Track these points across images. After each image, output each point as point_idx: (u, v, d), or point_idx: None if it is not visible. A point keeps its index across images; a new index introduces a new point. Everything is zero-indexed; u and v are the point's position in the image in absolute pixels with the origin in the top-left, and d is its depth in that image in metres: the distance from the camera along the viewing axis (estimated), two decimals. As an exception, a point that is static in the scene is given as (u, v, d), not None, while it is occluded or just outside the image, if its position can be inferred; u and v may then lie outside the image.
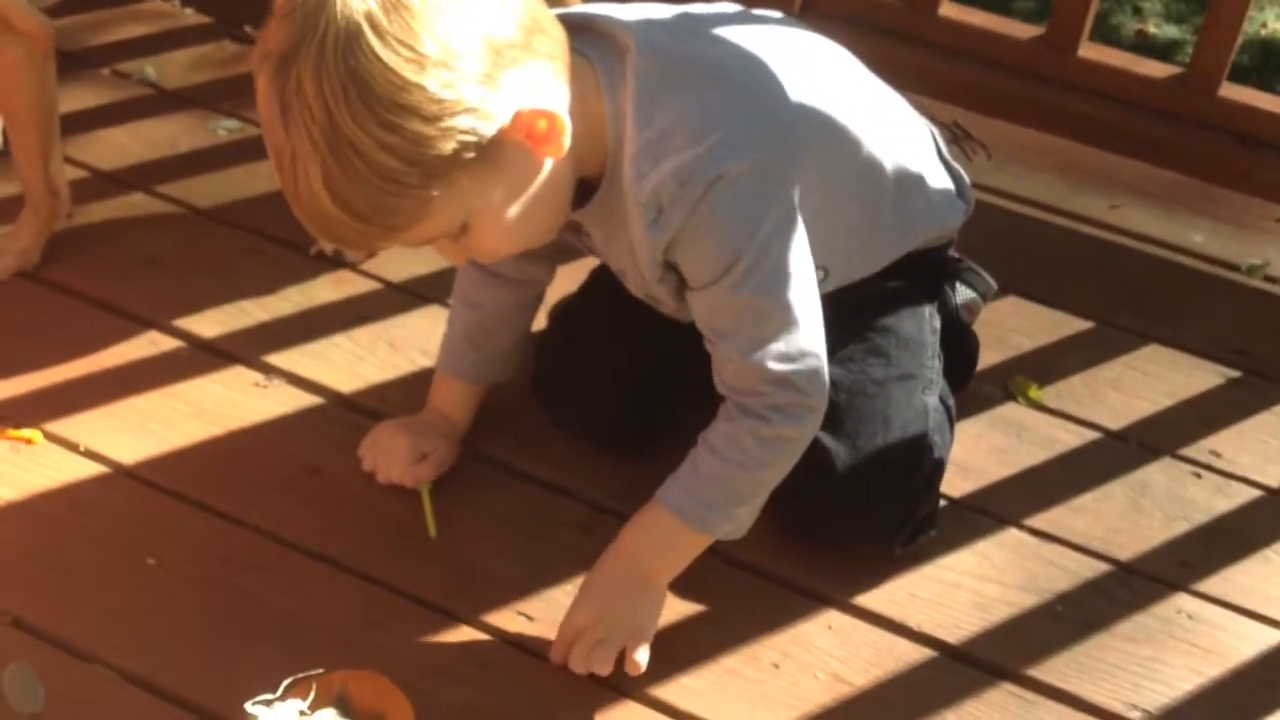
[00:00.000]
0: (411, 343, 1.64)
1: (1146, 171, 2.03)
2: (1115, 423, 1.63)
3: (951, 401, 1.49)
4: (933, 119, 1.55)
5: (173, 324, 1.64)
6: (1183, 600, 1.45)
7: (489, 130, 1.08)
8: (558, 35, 1.14)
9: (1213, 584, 1.46)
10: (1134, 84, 2.05)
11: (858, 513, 1.40)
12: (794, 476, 1.31)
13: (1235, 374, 1.71)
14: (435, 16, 1.03)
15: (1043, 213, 1.95)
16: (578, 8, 1.26)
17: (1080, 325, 1.77)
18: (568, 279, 1.55)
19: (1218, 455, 1.61)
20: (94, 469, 1.47)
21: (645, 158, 1.18)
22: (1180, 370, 1.71)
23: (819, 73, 1.34)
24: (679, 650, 1.34)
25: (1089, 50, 2.07)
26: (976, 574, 1.45)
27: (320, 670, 1.28)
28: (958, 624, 1.40)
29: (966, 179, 1.51)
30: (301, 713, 1.25)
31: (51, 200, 1.67)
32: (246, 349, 1.62)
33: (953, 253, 1.56)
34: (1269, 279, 1.88)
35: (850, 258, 1.41)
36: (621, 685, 1.31)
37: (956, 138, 2.03)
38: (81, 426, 1.51)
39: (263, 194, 1.81)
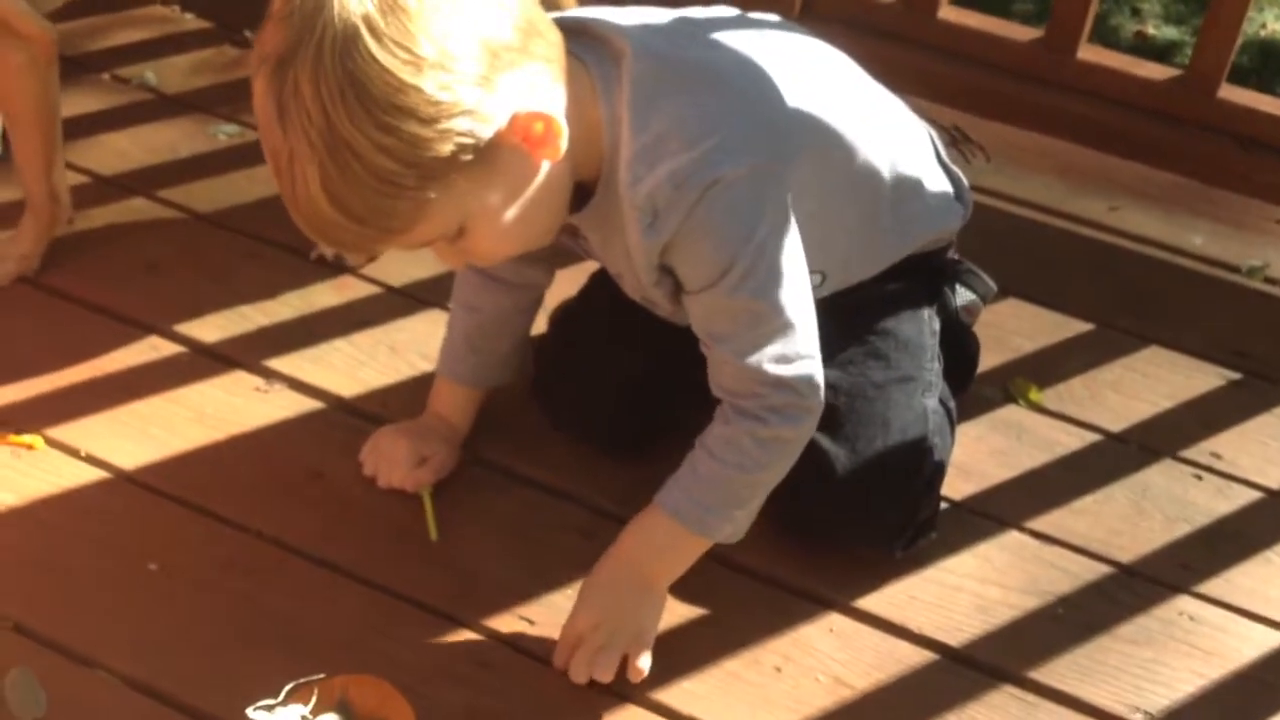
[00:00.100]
0: (412, 347, 1.65)
1: (1146, 173, 2.03)
2: (1116, 425, 1.63)
3: (952, 404, 1.49)
4: (932, 121, 1.55)
5: (174, 329, 1.64)
6: (1184, 602, 1.45)
7: (486, 133, 1.08)
8: (554, 39, 1.14)
9: (1214, 586, 1.46)
10: (1133, 86, 2.05)
11: (857, 516, 1.40)
12: (794, 480, 1.31)
13: (1236, 376, 1.72)
14: (432, 18, 1.03)
15: (1042, 215, 1.95)
16: (573, 11, 1.26)
17: (1080, 327, 1.77)
18: (567, 282, 1.55)
19: (1218, 457, 1.61)
20: (95, 474, 1.47)
21: (641, 161, 1.18)
22: (1180, 372, 1.71)
23: (816, 77, 1.34)
24: (680, 654, 1.34)
25: (1088, 52, 2.07)
26: (978, 576, 1.45)
27: (322, 675, 1.28)
28: (959, 626, 1.40)
29: (965, 182, 1.51)
30: (303, 717, 1.25)
31: (52, 205, 1.68)
32: (247, 354, 1.62)
33: (953, 255, 1.56)
34: (1269, 280, 1.88)
35: (848, 262, 1.41)
36: (623, 689, 1.31)
37: (955, 140, 2.03)
38: (83, 432, 1.51)
39: (263, 199, 1.81)
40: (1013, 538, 1.50)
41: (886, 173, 1.37)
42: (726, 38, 1.30)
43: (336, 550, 1.41)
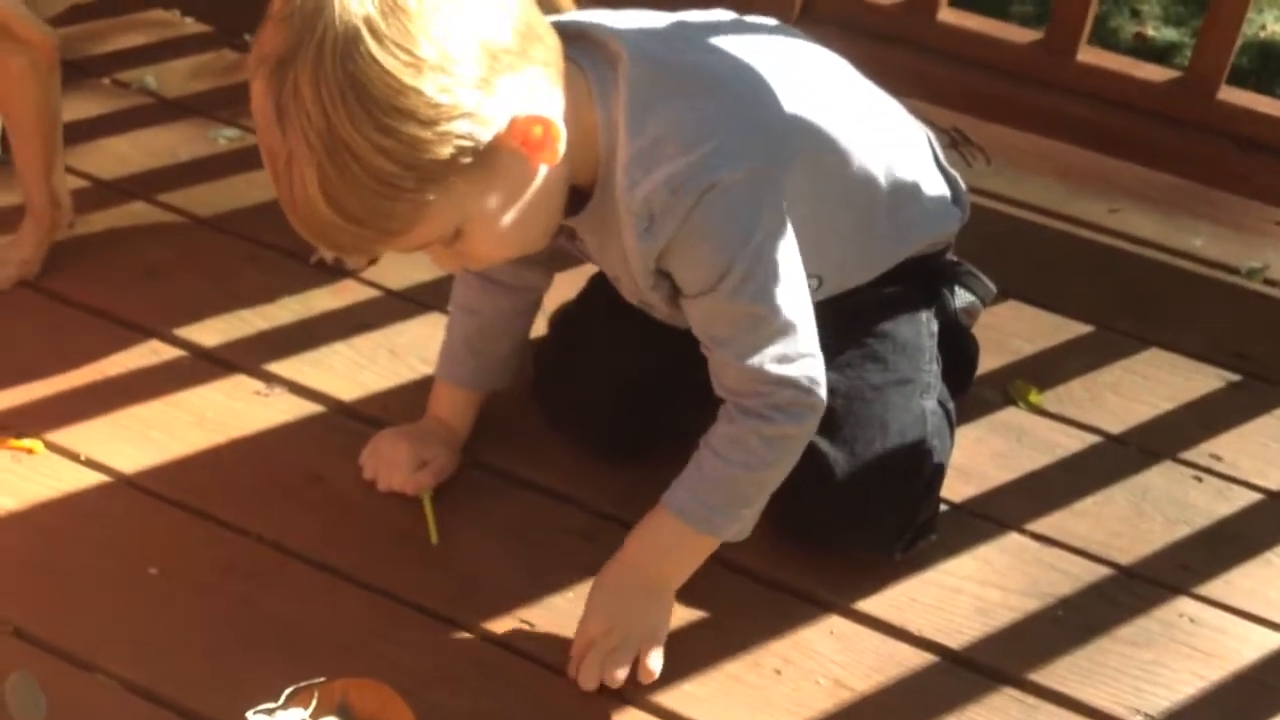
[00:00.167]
0: (412, 350, 1.65)
1: (1146, 175, 2.03)
2: (1116, 427, 1.63)
3: (951, 405, 1.49)
4: (931, 124, 1.55)
5: (174, 333, 1.64)
6: (1184, 604, 1.45)
7: (485, 135, 1.08)
8: (552, 43, 1.14)
9: (1214, 587, 1.46)
10: (1133, 88, 2.05)
11: (857, 519, 1.40)
12: (793, 483, 1.31)
13: (1235, 377, 1.71)
14: (433, 20, 1.03)
15: (1042, 217, 1.95)
16: (569, 15, 1.26)
17: (1080, 329, 1.77)
18: (567, 285, 1.55)
19: (1218, 459, 1.61)
20: (95, 478, 1.47)
21: (637, 165, 1.18)
22: (1180, 374, 1.71)
23: (812, 80, 1.34)
24: (681, 656, 1.34)
25: (1088, 54, 2.07)
26: (978, 578, 1.45)
27: (322, 679, 1.28)
28: (959, 629, 1.40)
29: (963, 185, 1.51)
30: (303, 721, 1.25)
31: (53, 210, 1.68)
32: (247, 357, 1.62)
33: (951, 256, 1.56)
34: (1269, 282, 1.88)
35: (844, 266, 1.41)
36: (624, 691, 1.31)
37: (955, 142, 2.03)
38: (83, 436, 1.51)
39: (263, 202, 1.81)
40: (1013, 540, 1.50)
41: (883, 177, 1.37)
42: (723, 42, 1.30)
43: (337, 554, 1.41)
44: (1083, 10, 2.02)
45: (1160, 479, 1.58)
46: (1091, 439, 1.62)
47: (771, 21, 1.42)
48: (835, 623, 1.40)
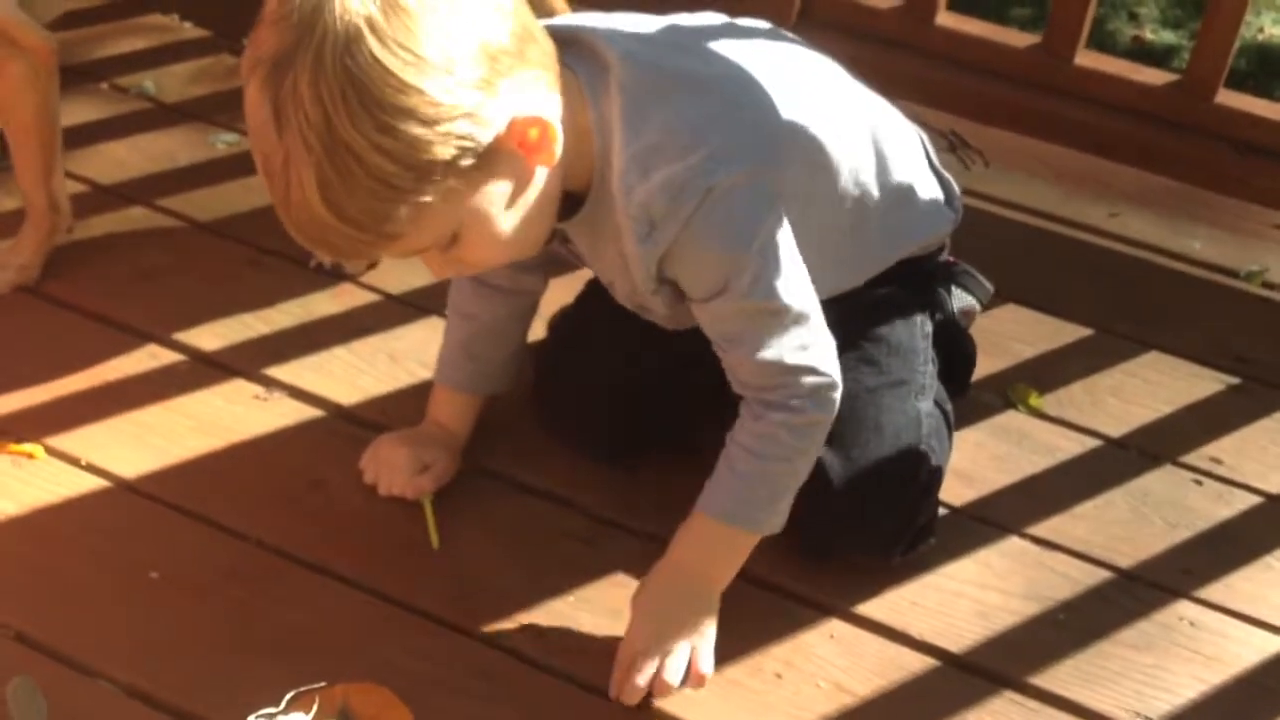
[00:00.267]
0: (411, 354, 1.65)
1: (1144, 178, 2.03)
2: (1116, 430, 1.63)
3: (949, 407, 1.49)
4: (929, 128, 1.55)
5: (173, 337, 1.64)
6: (1185, 607, 1.45)
7: (485, 137, 1.08)
8: (548, 47, 1.14)
9: (1215, 591, 1.46)
10: (1131, 91, 2.05)
11: (855, 525, 1.40)
12: (791, 490, 1.31)
13: (1235, 380, 1.72)
14: (434, 20, 1.03)
15: (1041, 220, 1.95)
16: (562, 19, 1.26)
17: (1080, 333, 1.77)
18: (565, 290, 1.55)
19: (1218, 462, 1.61)
20: (95, 483, 1.47)
21: (633, 170, 1.18)
22: (1180, 377, 1.72)
23: (805, 83, 1.34)
24: (681, 661, 1.34)
25: (1086, 58, 2.08)
26: (978, 582, 1.45)
27: (323, 683, 1.28)
28: (960, 632, 1.40)
29: (956, 187, 1.51)
30: (304, 726, 1.25)
31: (52, 215, 1.68)
32: (247, 362, 1.62)
33: (949, 257, 1.56)
34: (1267, 285, 1.88)
35: (837, 269, 1.39)
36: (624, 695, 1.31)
37: (954, 146, 2.04)
38: (83, 441, 1.51)
39: (262, 207, 1.79)
40: (1013, 543, 1.50)
41: (876, 180, 1.37)
42: (715, 46, 1.30)
43: (337, 558, 1.41)
44: (1081, 14, 2.03)
45: (1160, 482, 1.58)
46: (1092, 442, 1.62)
47: (763, 24, 1.42)
48: (836, 626, 1.40)
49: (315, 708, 1.26)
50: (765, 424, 1.27)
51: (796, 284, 1.24)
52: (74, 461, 1.49)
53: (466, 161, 1.07)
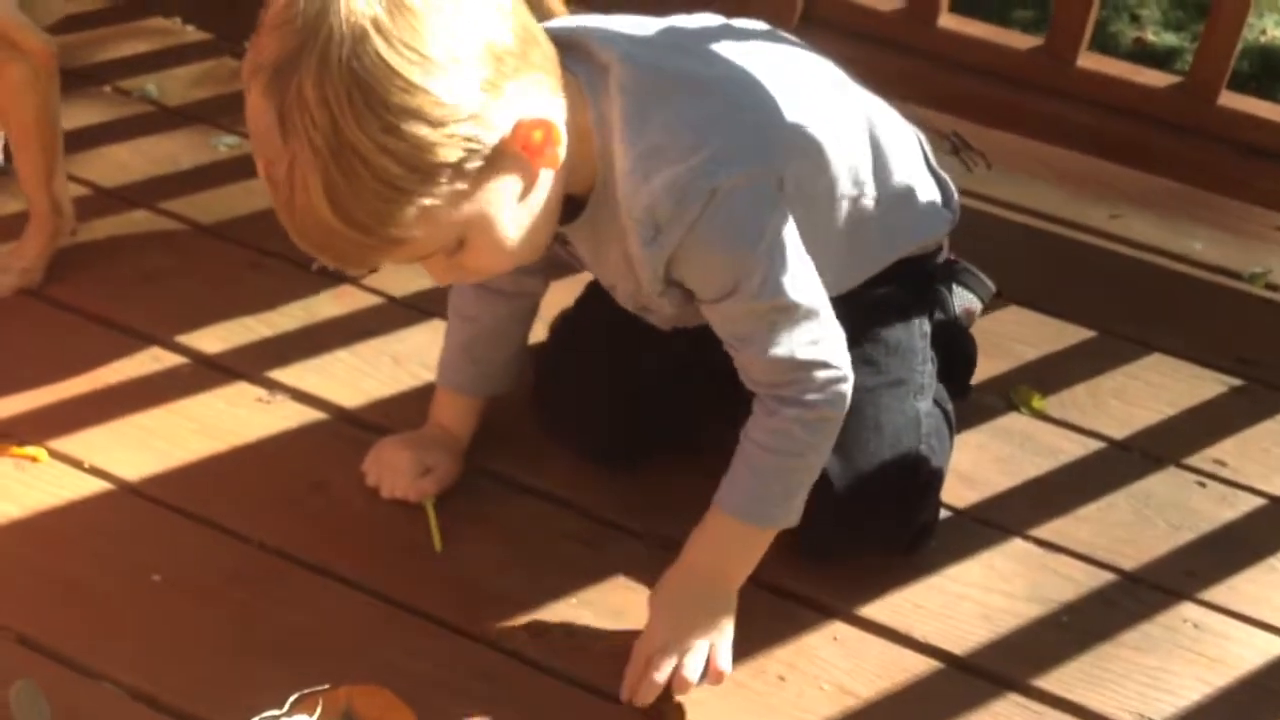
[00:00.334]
0: (414, 357, 1.65)
1: (1146, 180, 2.03)
2: (1119, 432, 1.63)
3: (949, 406, 1.49)
4: (931, 129, 1.54)
5: (176, 340, 1.64)
6: (1188, 609, 1.45)
7: (491, 138, 1.07)
8: (549, 49, 1.14)
9: (1218, 593, 1.46)
10: (1134, 93, 2.05)
11: (854, 526, 1.40)
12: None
13: (1238, 382, 1.72)
14: (439, 20, 1.03)
15: (1043, 222, 1.95)
16: (560, 21, 1.25)
17: (1082, 335, 1.77)
18: (566, 292, 1.55)
19: (1222, 464, 1.61)
20: (98, 486, 1.47)
21: (636, 172, 1.18)
22: (1183, 379, 1.71)
23: (803, 84, 1.33)
24: (684, 663, 1.34)
25: (1088, 60, 2.08)
26: (982, 584, 1.45)
27: (326, 686, 1.28)
28: (963, 635, 1.40)
29: (953, 187, 1.50)
30: (307, 729, 1.25)
31: (55, 217, 1.68)
32: (249, 364, 1.62)
33: (950, 256, 1.56)
34: (1270, 287, 1.88)
35: (835, 270, 1.39)
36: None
37: (956, 148, 2.03)
38: (86, 444, 1.51)
39: (264, 209, 1.79)
40: (1016, 545, 1.50)
41: (874, 180, 1.37)
42: (714, 47, 1.30)
43: (340, 560, 1.41)
44: (1083, 15, 2.03)
45: (1163, 484, 1.58)
46: (1094, 444, 1.62)
47: (761, 25, 1.41)
48: (839, 629, 1.40)
49: (318, 710, 1.26)
50: (779, 420, 1.27)
51: (805, 280, 1.24)
52: (77, 464, 1.49)
53: (472, 164, 1.07)
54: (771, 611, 1.41)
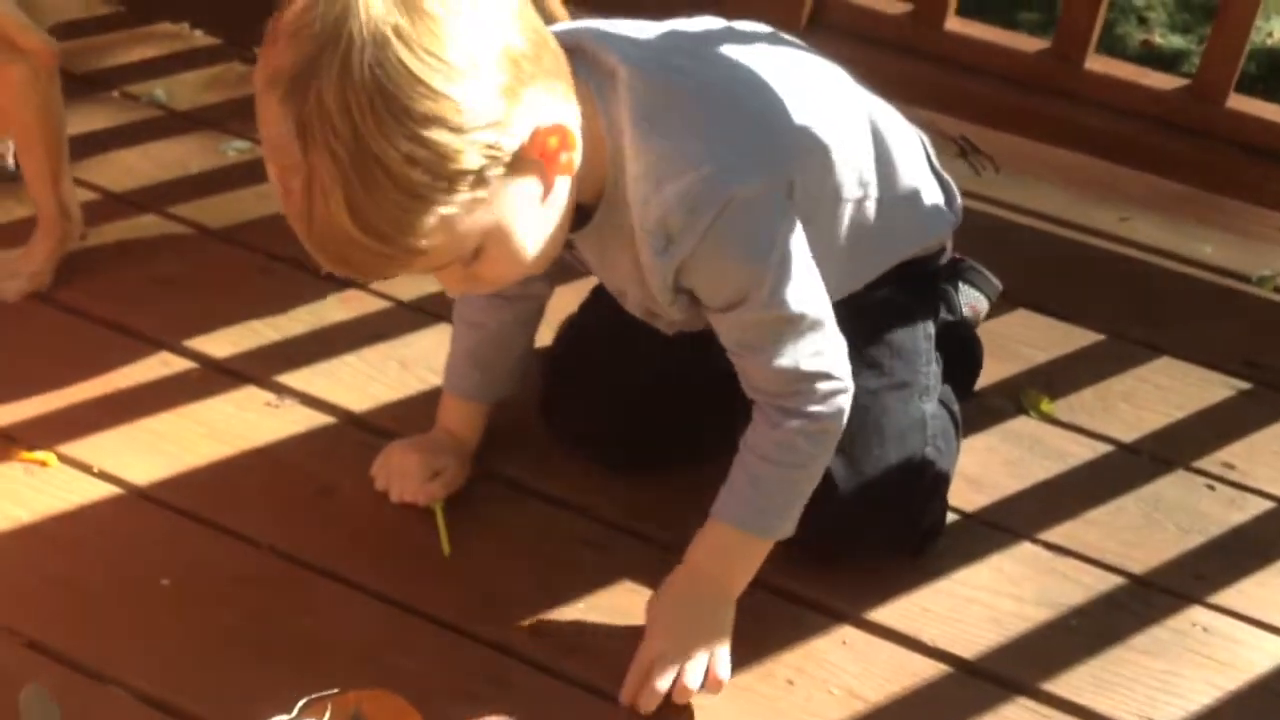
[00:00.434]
0: (422, 361, 1.65)
1: (1154, 183, 2.03)
2: (1127, 435, 1.63)
3: (956, 408, 1.49)
4: (939, 133, 1.54)
5: (184, 344, 1.65)
6: (1197, 613, 1.44)
7: (511, 145, 1.06)
8: (561, 56, 1.13)
9: (1227, 596, 1.46)
10: (1141, 96, 2.05)
11: (860, 528, 1.40)
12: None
13: (1247, 386, 1.71)
14: (458, 24, 1.01)
15: (1051, 225, 1.95)
16: (564, 26, 1.24)
17: (1091, 338, 1.77)
18: (572, 297, 1.55)
19: (1231, 467, 1.60)
20: (108, 490, 1.47)
21: (647, 180, 1.17)
22: (1192, 382, 1.71)
23: (807, 88, 1.33)
24: (693, 667, 1.34)
25: (1096, 63, 2.08)
26: (990, 588, 1.45)
27: (335, 690, 1.28)
28: (972, 639, 1.40)
29: (956, 189, 1.50)
30: (316, 733, 1.25)
31: (64, 222, 1.68)
32: (258, 369, 1.62)
33: (955, 255, 1.56)
34: (1279, 290, 1.87)
35: (839, 272, 1.39)
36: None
37: (964, 151, 2.03)
38: (95, 448, 1.51)
39: (273, 214, 1.79)
40: (1025, 549, 1.50)
41: (878, 182, 1.37)
42: (719, 51, 1.30)
43: (349, 565, 1.41)
44: (1090, 18, 2.03)
45: (1173, 488, 1.58)
46: (1103, 448, 1.62)
47: (763, 28, 1.40)
48: (848, 633, 1.40)
49: (328, 714, 1.26)
50: (783, 432, 1.27)
51: (812, 291, 1.24)
52: (86, 469, 1.49)
53: (493, 171, 1.06)
54: (780, 616, 1.40)
